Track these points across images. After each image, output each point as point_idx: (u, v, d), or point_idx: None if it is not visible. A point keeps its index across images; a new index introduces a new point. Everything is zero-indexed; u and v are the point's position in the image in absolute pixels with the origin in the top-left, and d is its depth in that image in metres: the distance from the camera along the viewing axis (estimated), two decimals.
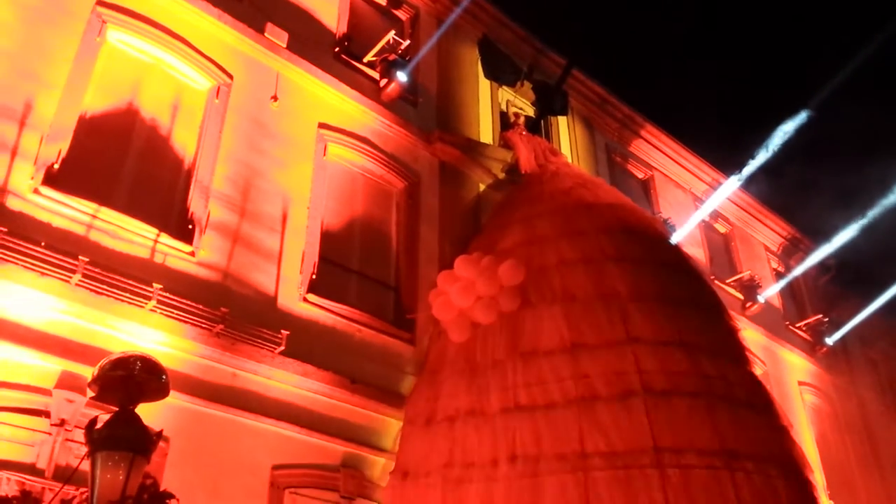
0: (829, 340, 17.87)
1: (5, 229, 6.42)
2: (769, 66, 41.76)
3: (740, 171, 15.79)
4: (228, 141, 8.76)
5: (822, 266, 19.53)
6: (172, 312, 7.19)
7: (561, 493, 7.20)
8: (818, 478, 10.42)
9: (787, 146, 14.77)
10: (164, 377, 5.28)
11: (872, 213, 15.93)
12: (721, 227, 17.79)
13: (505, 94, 13.64)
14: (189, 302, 7.30)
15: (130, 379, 5.10)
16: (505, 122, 13.09)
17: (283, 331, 7.91)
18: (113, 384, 5.09)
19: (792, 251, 19.36)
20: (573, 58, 13.65)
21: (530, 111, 13.82)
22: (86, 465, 4.93)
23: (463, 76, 12.80)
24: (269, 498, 7.41)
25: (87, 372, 5.35)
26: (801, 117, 14.76)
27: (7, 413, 6.18)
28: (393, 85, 10.80)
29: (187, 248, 7.85)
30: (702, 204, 16.82)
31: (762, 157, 14.84)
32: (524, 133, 12.20)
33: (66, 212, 7.12)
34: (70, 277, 6.63)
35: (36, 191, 6.97)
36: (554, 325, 8.31)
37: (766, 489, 7.34)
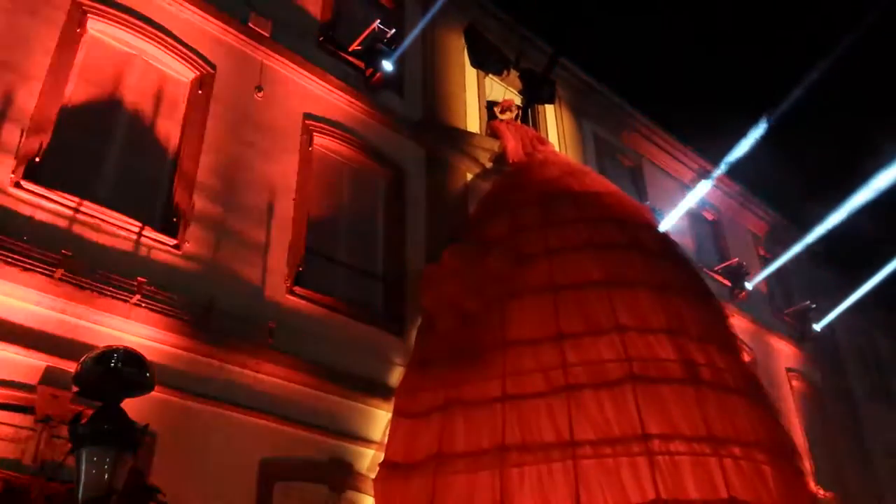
0: (817, 327, 17.96)
1: None
2: (755, 52, 41.81)
3: (727, 158, 15.80)
4: (212, 132, 8.66)
5: (810, 252, 19.61)
6: (157, 306, 7.13)
7: (550, 482, 7.23)
8: (806, 463, 10.49)
9: (774, 132, 14.79)
10: (149, 371, 5.24)
11: (860, 198, 15.97)
12: (709, 215, 17.84)
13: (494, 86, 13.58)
14: (174, 295, 7.25)
15: (115, 374, 5.04)
16: (492, 111, 13.04)
17: (270, 323, 7.87)
18: (97, 379, 5.03)
19: (779, 238, 19.44)
20: (560, 46, 13.62)
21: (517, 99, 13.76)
22: (71, 461, 4.89)
23: (449, 65, 12.73)
24: (258, 491, 7.35)
25: (72, 367, 5.27)
26: (787, 103, 14.77)
27: None
28: (378, 74, 10.72)
29: (172, 241, 7.77)
30: (689, 192, 16.85)
31: (748, 144, 14.84)
32: (511, 122, 12.17)
33: (49, 206, 7.03)
34: (53, 272, 6.55)
35: (17, 185, 6.88)
36: (541, 314, 8.35)
37: (754, 475, 7.41)
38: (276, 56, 9.74)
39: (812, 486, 8.99)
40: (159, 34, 8.67)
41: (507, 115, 12.75)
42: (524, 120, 12.87)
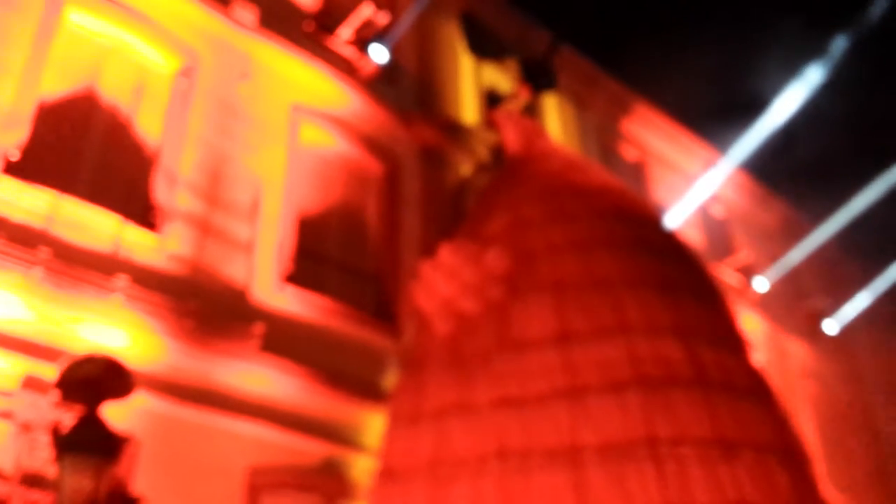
0: (831, 327, 17.70)
1: None
2: (767, 38, 41.44)
3: (738, 149, 15.58)
4: (196, 125, 8.50)
5: (824, 250, 19.34)
6: (140, 306, 7.05)
7: (553, 489, 7.02)
8: (819, 467, 10.29)
9: (785, 124, 14.59)
10: (130, 377, 5.28)
11: (873, 195, 15.77)
12: (718, 210, 17.52)
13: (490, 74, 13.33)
14: (157, 296, 7.17)
15: (95, 380, 5.13)
16: (492, 101, 12.79)
17: (257, 325, 7.79)
18: (77, 385, 5.14)
19: (792, 234, 19.13)
20: (560, 33, 13.42)
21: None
22: (53, 469, 4.93)
23: (444, 54, 12.51)
24: (246, 501, 7.28)
25: (52, 372, 5.32)
26: (799, 93, 14.55)
27: None
28: (370, 63, 10.56)
29: (154, 239, 7.68)
30: (697, 185, 16.54)
31: (760, 135, 14.62)
32: (511, 112, 11.92)
33: (26, 204, 6.93)
34: (31, 270, 6.46)
35: None
36: (543, 314, 8.11)
37: (766, 480, 7.19)
38: (263, 45, 9.52)
39: (826, 491, 8.79)
40: (139, 22, 8.49)
41: (516, 105, 12.48)
42: (524, 110, 12.62)
